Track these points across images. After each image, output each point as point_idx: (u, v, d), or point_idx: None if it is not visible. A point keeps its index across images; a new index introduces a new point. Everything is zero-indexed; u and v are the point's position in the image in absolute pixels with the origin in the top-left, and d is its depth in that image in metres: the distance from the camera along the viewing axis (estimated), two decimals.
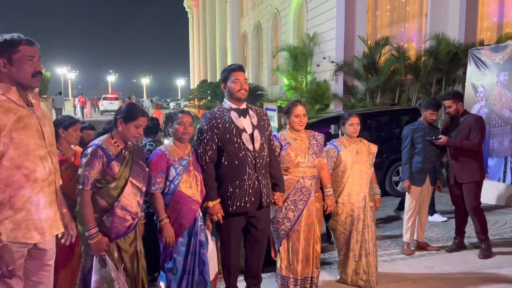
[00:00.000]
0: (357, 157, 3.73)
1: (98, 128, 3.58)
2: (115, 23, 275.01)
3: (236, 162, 3.02)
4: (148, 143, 4.04)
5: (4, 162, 2.05)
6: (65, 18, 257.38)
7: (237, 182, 3.03)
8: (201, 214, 3.05)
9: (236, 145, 3.04)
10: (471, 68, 7.01)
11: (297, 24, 18.18)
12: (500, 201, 6.39)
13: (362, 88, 12.58)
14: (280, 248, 3.47)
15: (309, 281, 3.45)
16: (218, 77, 28.87)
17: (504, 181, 6.27)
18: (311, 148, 3.49)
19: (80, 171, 2.59)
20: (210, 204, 3.02)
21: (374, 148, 3.87)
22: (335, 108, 12.76)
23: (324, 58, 13.79)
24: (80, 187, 2.57)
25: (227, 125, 3.06)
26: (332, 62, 13.28)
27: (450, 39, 12.24)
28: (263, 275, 3.51)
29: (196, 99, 30.73)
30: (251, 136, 3.09)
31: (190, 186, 2.98)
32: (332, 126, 8.60)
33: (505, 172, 6.30)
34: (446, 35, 12.45)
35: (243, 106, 3.17)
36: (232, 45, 25.82)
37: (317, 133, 3.63)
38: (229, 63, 27.11)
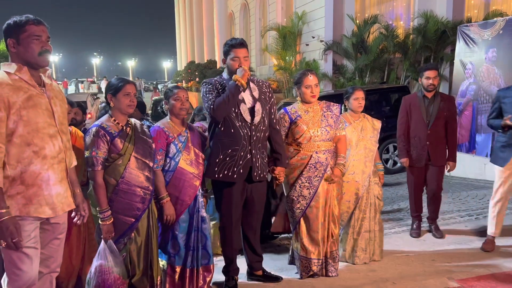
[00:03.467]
0: (362, 134, 3.61)
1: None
2: (99, 3, 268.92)
3: (232, 130, 2.97)
4: (146, 122, 4.04)
5: (14, 139, 2.11)
6: None
7: (229, 150, 2.98)
8: (201, 190, 3.08)
9: (234, 114, 2.98)
10: (460, 45, 7.09)
11: (286, 3, 17.99)
12: (487, 176, 6.55)
13: (351, 67, 12.60)
14: (298, 227, 3.33)
15: (330, 260, 3.36)
16: (206, 58, 28.65)
17: (490, 156, 6.41)
18: (325, 120, 3.30)
19: (87, 153, 2.62)
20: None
21: (378, 123, 3.76)
22: (324, 88, 12.78)
23: (313, 37, 13.72)
24: (90, 169, 2.61)
25: None
26: (321, 41, 13.24)
27: (438, 17, 12.28)
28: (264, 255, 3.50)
29: (183, 81, 30.46)
30: (252, 110, 3.02)
31: (191, 162, 3.00)
32: None
33: (492, 147, 6.45)
34: (434, 13, 12.48)
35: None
36: (219, 25, 25.52)
37: (332, 103, 3.42)
38: (216, 43, 26.87)
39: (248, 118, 3.00)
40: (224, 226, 3.20)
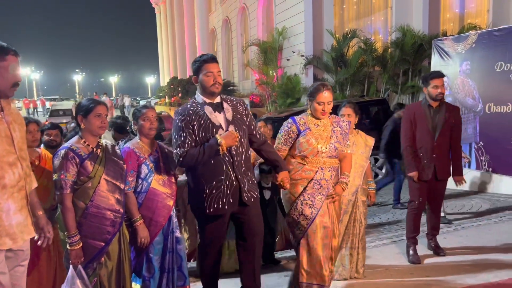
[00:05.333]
0: (352, 148, 3.47)
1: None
2: (81, 20, 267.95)
3: (212, 161, 2.78)
4: (125, 143, 3.90)
5: None
6: (28, 14, 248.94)
7: (214, 182, 2.80)
8: (174, 210, 3.04)
9: None
10: (435, 58, 7.23)
11: (266, 19, 18.20)
12: (466, 186, 6.62)
13: (332, 80, 12.75)
14: (299, 249, 3.07)
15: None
16: (188, 74, 28.64)
17: (469, 167, 6.51)
18: (334, 136, 3.10)
19: (55, 176, 2.55)
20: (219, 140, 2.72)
21: (371, 141, 3.68)
22: (306, 102, 12.89)
23: (294, 52, 13.88)
24: (59, 192, 2.54)
25: (202, 121, 2.80)
26: (302, 56, 13.41)
27: (415, 31, 12.57)
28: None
29: (166, 97, 30.36)
30: None
31: (164, 183, 2.96)
32: None
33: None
34: (411, 27, 12.78)
35: (217, 99, 2.91)
36: (201, 41, 25.62)
37: (341, 118, 3.27)
38: None
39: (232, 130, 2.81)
40: (205, 253, 3.00)
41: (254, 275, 3.00)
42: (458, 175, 4.03)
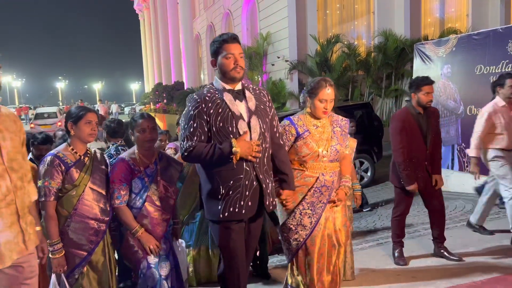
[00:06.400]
0: None
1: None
2: (64, 27, 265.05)
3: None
4: (116, 147, 3.77)
5: None
6: (9, 21, 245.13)
7: (231, 182, 2.42)
8: (169, 228, 2.87)
9: (231, 135, 2.42)
10: (417, 62, 7.36)
11: (251, 24, 18.28)
12: (450, 187, 6.73)
13: None
14: (294, 260, 2.85)
15: None
16: (173, 79, 28.58)
17: (452, 168, 6.61)
18: (335, 138, 2.84)
19: (39, 183, 2.52)
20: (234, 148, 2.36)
21: (353, 143, 3.52)
22: (291, 106, 12.96)
23: (278, 57, 13.97)
24: (43, 199, 2.50)
25: (220, 110, 2.43)
26: (286, 61, 13.50)
27: (397, 35, 12.79)
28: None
29: (151, 103, 30.20)
30: (248, 125, 2.47)
31: (160, 198, 2.74)
32: None
33: (452, 159, 6.66)
34: (393, 31, 13.00)
35: (239, 86, 2.53)
36: (185, 47, 25.56)
37: (341, 117, 2.98)
38: (183, 65, 26.91)
39: (248, 137, 2.45)
40: (229, 268, 2.57)
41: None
42: (439, 174, 3.93)
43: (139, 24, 49.15)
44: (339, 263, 2.93)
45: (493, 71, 6.13)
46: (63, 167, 2.53)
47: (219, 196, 2.44)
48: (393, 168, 3.97)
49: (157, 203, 2.71)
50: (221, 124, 2.41)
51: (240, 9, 18.57)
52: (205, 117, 2.42)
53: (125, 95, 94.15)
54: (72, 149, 2.62)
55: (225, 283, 2.60)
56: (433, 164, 3.93)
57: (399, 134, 3.79)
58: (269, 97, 2.65)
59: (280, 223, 2.89)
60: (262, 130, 2.49)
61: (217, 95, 2.47)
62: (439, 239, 4.03)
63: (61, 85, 72.30)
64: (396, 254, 4.01)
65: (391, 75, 12.96)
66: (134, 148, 2.80)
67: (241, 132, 2.42)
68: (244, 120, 2.45)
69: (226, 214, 2.43)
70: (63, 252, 2.51)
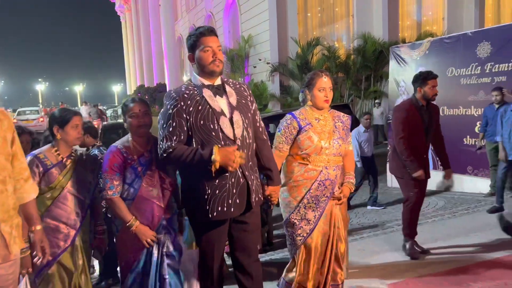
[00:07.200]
0: None
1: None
2: (43, 28, 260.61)
3: None
4: (96, 150, 3.82)
5: None
6: None
7: (217, 181, 2.32)
8: (164, 222, 2.61)
9: (213, 133, 2.32)
10: (392, 64, 7.62)
11: (232, 27, 18.42)
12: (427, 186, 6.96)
13: (298, 87, 13.06)
14: (297, 256, 2.84)
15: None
16: (156, 81, 28.49)
17: None
18: (337, 132, 2.86)
19: None
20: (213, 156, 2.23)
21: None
22: (273, 108, 13.14)
23: (260, 60, 14.13)
24: None
25: (200, 107, 2.33)
26: (268, 63, 13.68)
27: (375, 38, 13.11)
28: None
29: None
30: (231, 121, 2.37)
31: (154, 189, 2.55)
32: (271, 125, 8.93)
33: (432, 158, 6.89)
34: (372, 34, 13.31)
35: (218, 81, 2.43)
36: (168, 49, 25.55)
37: (342, 114, 2.99)
38: (165, 67, 26.88)
39: (230, 133, 2.35)
40: (207, 268, 2.54)
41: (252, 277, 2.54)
42: (450, 167, 4.19)
43: (121, 26, 48.81)
44: (340, 257, 2.94)
45: (464, 73, 6.42)
46: (41, 169, 2.49)
47: (206, 196, 2.34)
48: (393, 156, 4.05)
49: (151, 193, 2.52)
50: (201, 122, 2.32)
51: (222, 11, 18.69)
52: (185, 116, 2.31)
53: (107, 97, 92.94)
54: (56, 151, 2.57)
55: (204, 275, 2.58)
56: (442, 159, 4.14)
57: (402, 123, 3.84)
58: (250, 92, 2.58)
59: (284, 219, 2.90)
60: (245, 125, 2.42)
61: (196, 92, 2.37)
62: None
63: (41, 87, 70.96)
64: (408, 246, 4.02)
65: (370, 77, 13.26)
66: (128, 136, 2.62)
67: (223, 129, 2.34)
68: (225, 116, 2.36)
69: (215, 214, 2.35)
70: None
